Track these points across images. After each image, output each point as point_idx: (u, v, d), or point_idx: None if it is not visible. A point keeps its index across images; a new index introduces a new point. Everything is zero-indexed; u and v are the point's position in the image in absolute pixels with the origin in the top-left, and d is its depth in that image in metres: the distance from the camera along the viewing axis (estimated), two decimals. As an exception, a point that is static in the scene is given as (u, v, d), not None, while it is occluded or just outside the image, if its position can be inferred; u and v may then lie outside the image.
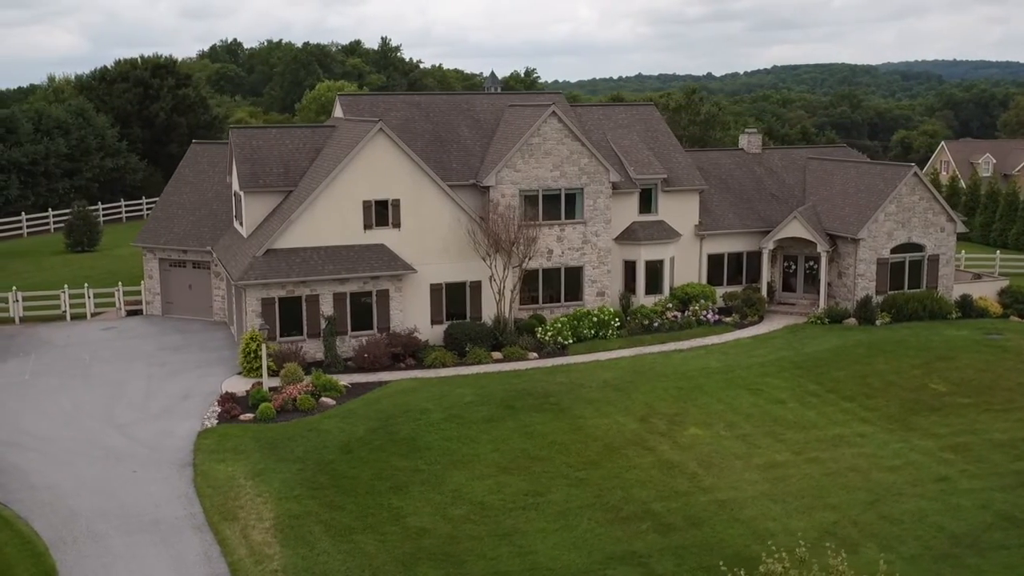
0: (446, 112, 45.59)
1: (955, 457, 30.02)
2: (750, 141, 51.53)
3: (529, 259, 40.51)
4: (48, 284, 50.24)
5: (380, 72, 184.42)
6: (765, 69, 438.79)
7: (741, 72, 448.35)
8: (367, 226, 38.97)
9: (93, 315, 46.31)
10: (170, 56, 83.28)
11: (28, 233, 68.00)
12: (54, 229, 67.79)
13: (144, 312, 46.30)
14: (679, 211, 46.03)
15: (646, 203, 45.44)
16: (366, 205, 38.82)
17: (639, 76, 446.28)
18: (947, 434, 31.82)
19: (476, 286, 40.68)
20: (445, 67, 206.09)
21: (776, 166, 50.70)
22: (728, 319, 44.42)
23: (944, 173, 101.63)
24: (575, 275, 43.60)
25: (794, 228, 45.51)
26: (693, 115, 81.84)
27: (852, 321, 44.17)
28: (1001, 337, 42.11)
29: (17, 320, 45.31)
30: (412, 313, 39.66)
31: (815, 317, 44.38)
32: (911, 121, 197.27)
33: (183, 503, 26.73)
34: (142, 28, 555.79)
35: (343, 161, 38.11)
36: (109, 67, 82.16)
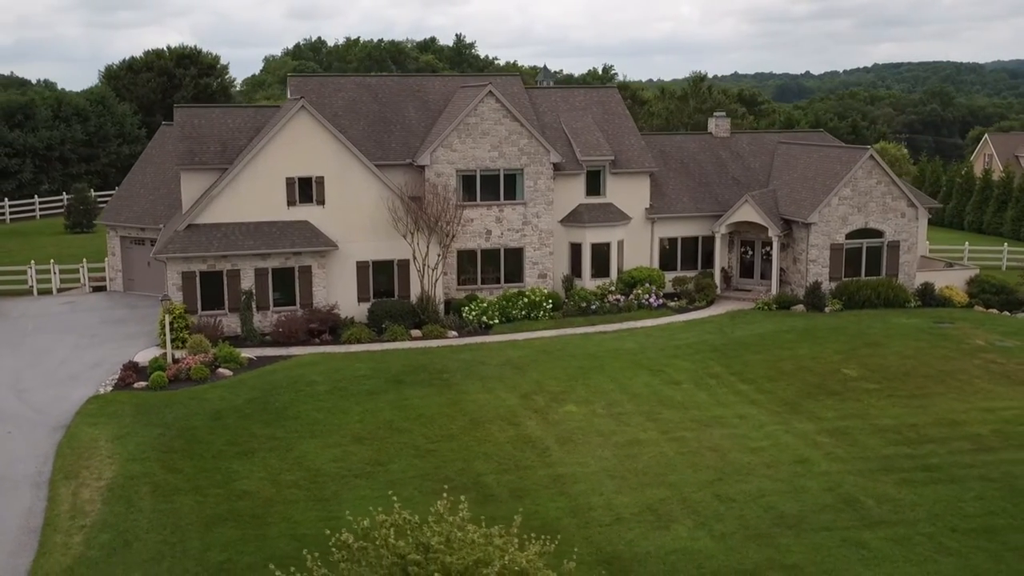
0: (396, 94, 45.74)
1: (828, 440, 28.92)
2: (718, 125, 50.35)
3: (453, 238, 40.35)
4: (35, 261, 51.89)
5: (453, 68, 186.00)
6: (865, 67, 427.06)
7: (840, 71, 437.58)
8: (291, 203, 39.33)
9: (59, 290, 47.79)
10: (195, 47, 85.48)
11: (41, 215, 70.47)
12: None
13: (108, 288, 47.61)
14: (628, 194, 45.29)
15: (593, 185, 44.83)
16: (289, 182, 39.17)
17: (735, 75, 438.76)
18: (833, 418, 30.68)
19: (404, 264, 40.71)
20: (522, 64, 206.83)
21: (743, 150, 49.48)
22: (672, 304, 43.57)
23: (981, 166, 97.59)
24: (516, 256, 43.31)
25: (746, 212, 44.38)
26: (700, 103, 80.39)
27: (801, 308, 42.92)
28: (951, 326, 40.42)
29: (-16, 294, 47.04)
30: (337, 290, 39.90)
31: (763, 303, 43.24)
32: (1005, 119, 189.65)
33: (37, 462, 27.42)
34: (250, 29, 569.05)
35: (266, 138, 38.57)
36: (137, 57, 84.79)
